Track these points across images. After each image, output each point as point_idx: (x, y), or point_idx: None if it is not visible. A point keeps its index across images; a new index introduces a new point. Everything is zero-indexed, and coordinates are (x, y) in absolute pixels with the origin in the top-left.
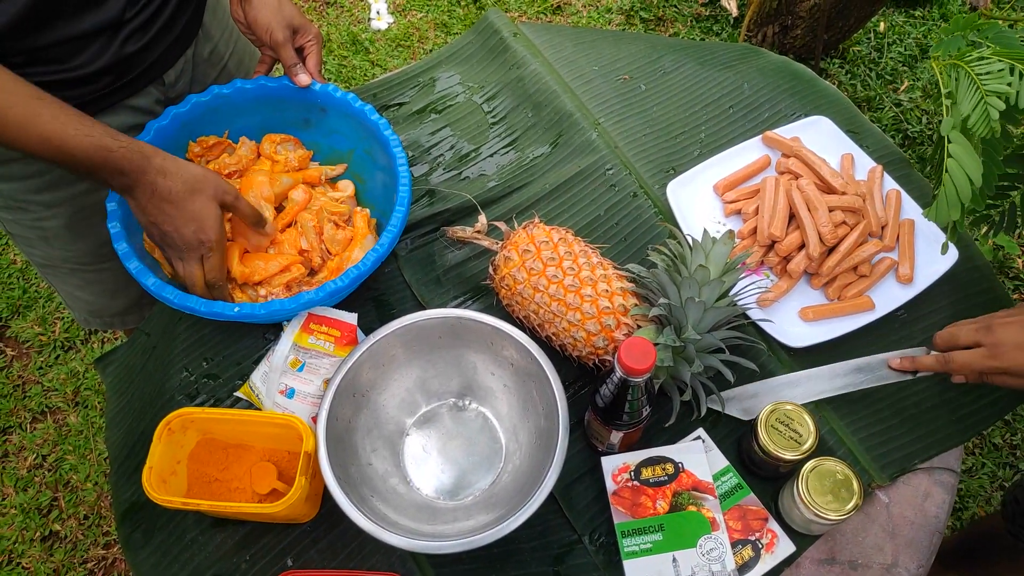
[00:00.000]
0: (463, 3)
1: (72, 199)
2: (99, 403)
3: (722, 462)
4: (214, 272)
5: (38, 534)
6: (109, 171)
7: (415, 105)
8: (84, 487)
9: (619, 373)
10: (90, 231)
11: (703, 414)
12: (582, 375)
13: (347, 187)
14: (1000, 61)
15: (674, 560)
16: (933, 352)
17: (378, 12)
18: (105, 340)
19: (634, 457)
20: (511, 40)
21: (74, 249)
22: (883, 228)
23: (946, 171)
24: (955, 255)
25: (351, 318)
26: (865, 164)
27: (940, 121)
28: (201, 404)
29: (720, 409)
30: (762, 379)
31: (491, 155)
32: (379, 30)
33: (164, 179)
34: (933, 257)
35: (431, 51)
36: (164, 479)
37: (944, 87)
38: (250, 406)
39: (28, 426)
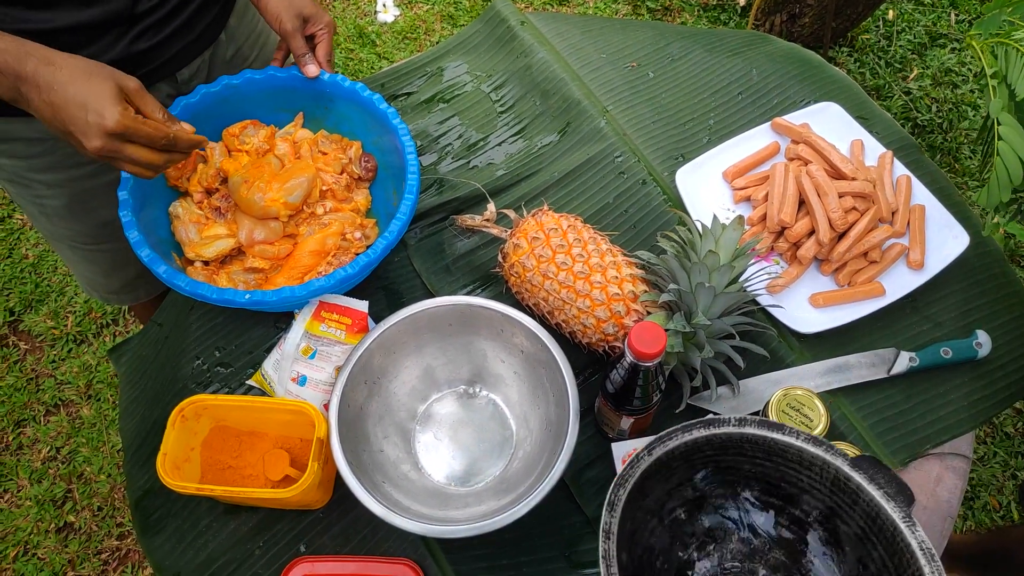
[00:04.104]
0: None
1: (71, 181)
2: (112, 396)
3: None
4: (149, 164)
5: (53, 525)
6: None
7: (423, 95)
8: (98, 479)
9: (629, 358)
10: (89, 213)
11: (714, 399)
12: (592, 362)
13: (365, 199)
14: None
15: None
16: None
17: (384, 4)
18: (117, 333)
19: (644, 443)
20: (518, 29)
21: (73, 228)
22: (893, 214)
23: (997, 154)
24: (966, 240)
25: (362, 305)
26: (875, 150)
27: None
28: (214, 392)
29: (707, 403)
30: (745, 378)
31: (499, 144)
32: (385, 23)
33: (50, 68)
34: (944, 243)
35: (437, 43)
36: (178, 465)
37: (988, 67)
38: (262, 394)
39: (42, 419)
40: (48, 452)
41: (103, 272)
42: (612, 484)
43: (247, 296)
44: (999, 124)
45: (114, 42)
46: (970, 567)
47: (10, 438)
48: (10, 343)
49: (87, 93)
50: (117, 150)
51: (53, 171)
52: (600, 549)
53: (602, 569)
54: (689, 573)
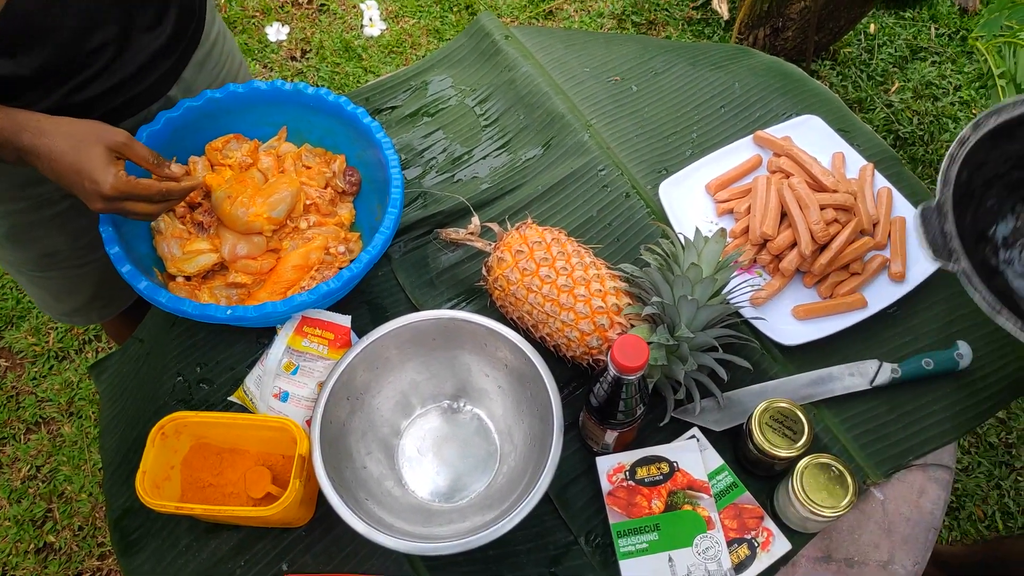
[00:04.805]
0: (455, 9)
1: (10, 214)
2: (93, 413)
3: (717, 461)
4: (150, 214)
5: (32, 546)
6: None
7: (408, 109)
8: (79, 498)
9: (613, 371)
10: (31, 243)
11: (698, 411)
12: (576, 376)
13: (349, 212)
14: None
15: (670, 560)
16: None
17: (371, 19)
18: (99, 349)
19: (629, 457)
20: (503, 43)
21: (16, 255)
22: (875, 226)
23: None
24: None
25: (345, 320)
26: (856, 163)
27: (929, 121)
28: (195, 409)
29: (691, 419)
30: (731, 390)
31: (484, 157)
32: (372, 37)
33: (41, 138)
34: (924, 254)
35: (423, 57)
36: (157, 484)
37: (996, 67)
38: (244, 410)
39: (22, 437)
40: (28, 471)
41: (52, 296)
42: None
43: (228, 312)
44: None
45: (47, 93)
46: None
47: None
48: None
49: (81, 161)
50: (118, 208)
51: None
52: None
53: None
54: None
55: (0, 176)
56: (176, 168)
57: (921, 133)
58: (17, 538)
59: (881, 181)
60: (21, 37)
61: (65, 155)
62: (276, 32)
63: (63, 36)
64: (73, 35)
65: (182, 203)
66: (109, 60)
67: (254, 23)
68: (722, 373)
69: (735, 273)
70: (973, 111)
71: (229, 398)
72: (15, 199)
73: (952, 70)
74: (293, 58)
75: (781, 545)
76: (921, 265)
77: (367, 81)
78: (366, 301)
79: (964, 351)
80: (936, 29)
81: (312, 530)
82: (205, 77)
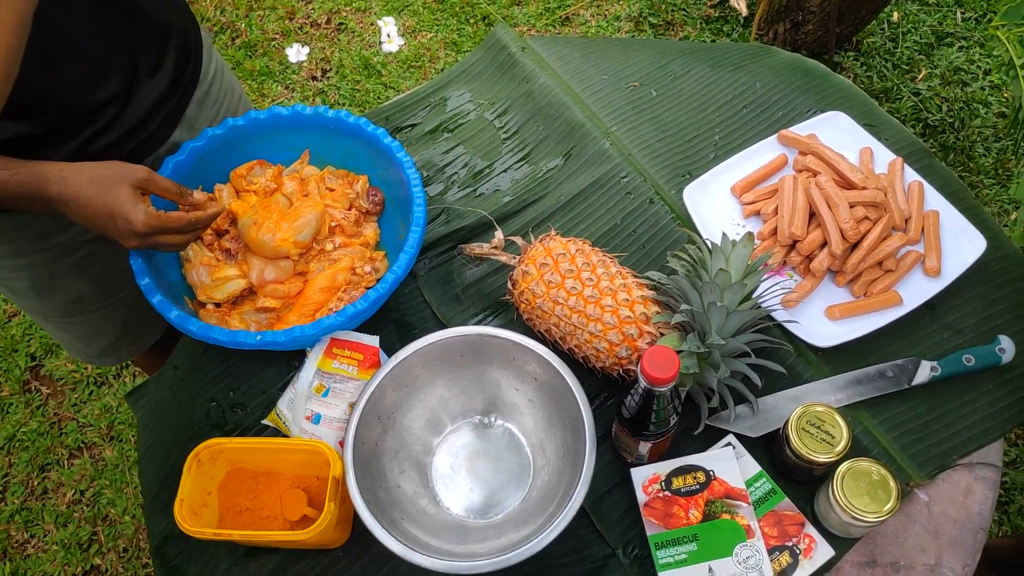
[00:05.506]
0: (472, 21)
1: (32, 266)
2: (133, 436)
3: (754, 468)
4: (182, 244)
5: (80, 569)
6: (17, 200)
7: (427, 125)
8: (122, 520)
9: (643, 383)
10: (55, 292)
11: (732, 418)
12: (607, 386)
13: (374, 232)
14: None
15: (710, 570)
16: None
17: (388, 35)
18: (136, 374)
19: (664, 467)
20: (519, 55)
21: (41, 307)
22: (907, 221)
23: None
24: (983, 244)
25: (373, 340)
26: (884, 158)
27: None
28: (229, 433)
29: (726, 426)
30: (765, 395)
31: (505, 170)
32: (390, 52)
33: (68, 187)
34: (960, 248)
35: (442, 70)
36: (195, 511)
37: (1017, 56)
38: (278, 433)
39: (66, 462)
40: (73, 495)
41: (81, 340)
42: None
43: (258, 337)
44: None
45: (58, 149)
46: (1008, 572)
47: (35, 483)
48: (32, 388)
49: (110, 203)
50: (150, 243)
51: (14, 257)
52: None
53: None
54: None
55: (20, 229)
56: (199, 195)
57: (951, 120)
58: (65, 562)
59: (912, 175)
60: (32, 95)
61: (93, 200)
62: (296, 53)
63: (71, 89)
64: (81, 88)
65: (209, 231)
66: (117, 111)
67: (274, 45)
68: (756, 379)
69: (765, 276)
70: (1004, 95)
71: (263, 421)
72: (35, 251)
73: (980, 54)
74: (314, 78)
75: (824, 552)
76: (956, 259)
77: (388, 97)
78: (394, 319)
79: (1006, 345)
80: (962, 13)
81: (350, 550)
82: (207, 115)
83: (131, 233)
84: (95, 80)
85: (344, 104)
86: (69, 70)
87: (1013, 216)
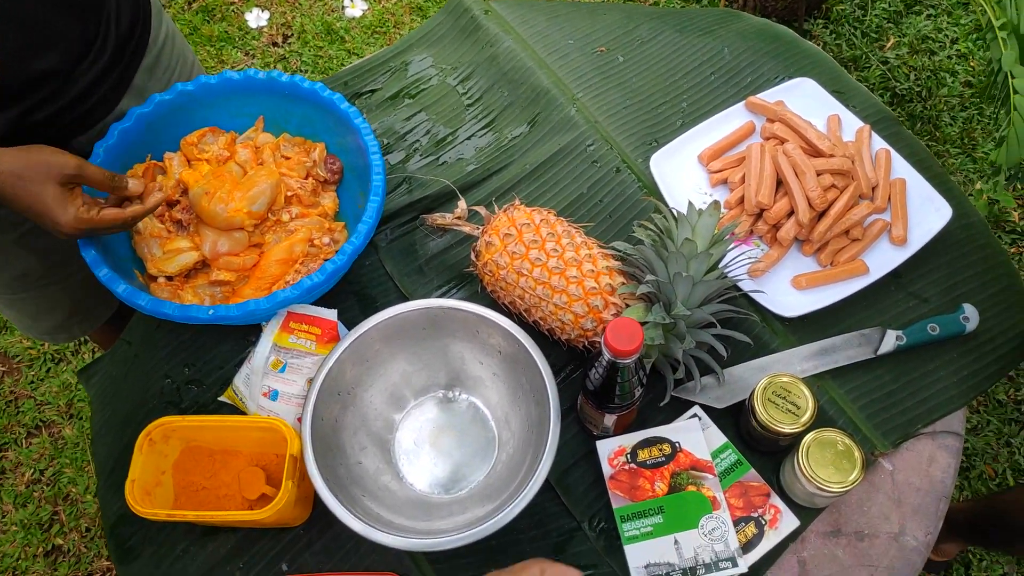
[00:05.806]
0: None
1: None
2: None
3: (720, 439)
4: (124, 230)
5: (41, 549)
6: None
7: (388, 91)
8: (84, 499)
9: (607, 356)
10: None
11: (698, 389)
12: (573, 358)
13: (333, 202)
14: None
15: (676, 542)
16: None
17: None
18: (95, 350)
19: (630, 439)
20: (483, 18)
21: None
22: (874, 189)
23: (1014, 109)
24: (949, 212)
25: (331, 314)
26: (852, 125)
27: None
28: (185, 411)
29: (691, 398)
30: (731, 365)
31: (468, 138)
32: (354, 18)
33: None
34: (926, 216)
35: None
36: (148, 491)
37: (996, 19)
38: (235, 410)
39: (24, 441)
40: (32, 475)
41: (29, 316)
42: None
43: (211, 312)
44: (1013, 77)
45: None
46: (969, 534)
47: None
48: None
49: (34, 204)
50: (88, 234)
51: None
52: None
53: None
54: None
55: None
56: (135, 185)
57: (919, 89)
58: (25, 542)
59: (879, 143)
60: None
61: (19, 197)
62: (256, 18)
63: (10, 58)
64: (19, 56)
65: None
66: (61, 80)
67: (233, 10)
68: (721, 349)
69: (731, 245)
70: (971, 63)
71: (219, 398)
72: None
73: (948, 22)
74: (275, 44)
75: (789, 522)
76: (923, 227)
77: (352, 63)
78: (354, 292)
79: (970, 314)
80: None
81: (311, 528)
82: (157, 82)
83: (60, 232)
84: (35, 48)
85: (306, 72)
86: (6, 37)
87: (977, 185)
